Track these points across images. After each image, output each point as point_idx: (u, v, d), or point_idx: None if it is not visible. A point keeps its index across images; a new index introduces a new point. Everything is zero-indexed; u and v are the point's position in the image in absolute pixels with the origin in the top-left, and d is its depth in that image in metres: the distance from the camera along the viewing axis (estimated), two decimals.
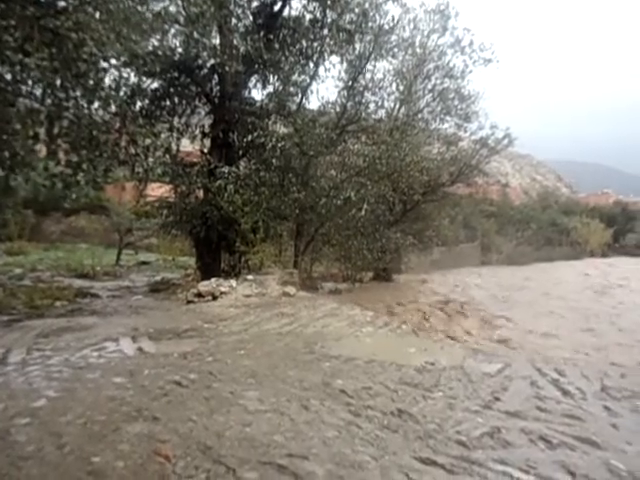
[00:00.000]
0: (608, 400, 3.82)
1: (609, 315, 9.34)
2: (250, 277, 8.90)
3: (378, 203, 13.49)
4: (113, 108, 7.17)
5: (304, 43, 11.86)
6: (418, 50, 15.51)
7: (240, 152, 11.93)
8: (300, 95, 12.38)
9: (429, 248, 17.95)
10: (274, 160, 11.04)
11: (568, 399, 3.83)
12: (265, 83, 12.26)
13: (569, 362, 4.93)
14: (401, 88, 15.48)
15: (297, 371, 4.21)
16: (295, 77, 12.22)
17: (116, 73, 7.08)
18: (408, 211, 16.25)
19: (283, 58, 11.67)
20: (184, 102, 11.85)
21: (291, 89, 12.23)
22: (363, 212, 11.88)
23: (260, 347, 4.98)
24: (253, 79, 12.23)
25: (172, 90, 11.42)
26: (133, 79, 9.36)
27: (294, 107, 12.32)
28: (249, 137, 11.62)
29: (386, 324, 6.51)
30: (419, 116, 16.08)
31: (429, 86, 16.15)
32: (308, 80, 12.29)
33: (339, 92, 13.48)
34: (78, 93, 6.20)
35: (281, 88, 12.04)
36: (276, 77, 12.00)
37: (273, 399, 3.51)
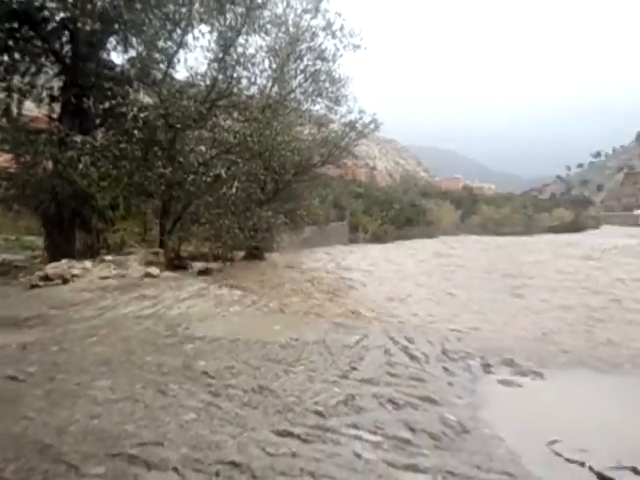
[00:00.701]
0: (447, 362, 4.31)
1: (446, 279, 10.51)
2: (109, 258, 8.22)
3: (250, 181, 13.36)
4: None
5: (171, 7, 11.06)
6: (291, 29, 15.47)
7: (97, 121, 10.82)
8: (166, 63, 11.58)
9: (300, 227, 18.38)
10: (136, 131, 10.20)
11: (415, 363, 4.23)
12: (127, 46, 11.21)
13: (418, 329, 5.47)
14: (274, 66, 15.37)
15: (156, 355, 4.01)
16: (161, 43, 11.38)
17: None
18: (280, 190, 16.38)
19: (147, 21, 10.75)
20: (27, 59, 10.32)
21: (156, 55, 11.37)
22: (234, 190, 11.68)
23: (115, 333, 4.64)
24: (113, 40, 11.10)
25: (11, 43, 9.85)
26: None
27: (160, 76, 11.50)
28: (107, 104, 10.57)
29: (254, 303, 6.53)
30: (292, 96, 16.16)
31: (301, 66, 16.26)
32: (175, 48, 11.53)
33: (209, 64, 12.91)
34: None
35: (145, 53, 11.13)
36: (139, 41, 11.04)
37: (127, 387, 3.30)
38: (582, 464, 2.65)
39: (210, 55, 12.87)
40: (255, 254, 15.94)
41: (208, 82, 12.80)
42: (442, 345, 4.81)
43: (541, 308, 7.90)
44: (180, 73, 12.18)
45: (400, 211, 27.39)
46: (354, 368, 3.94)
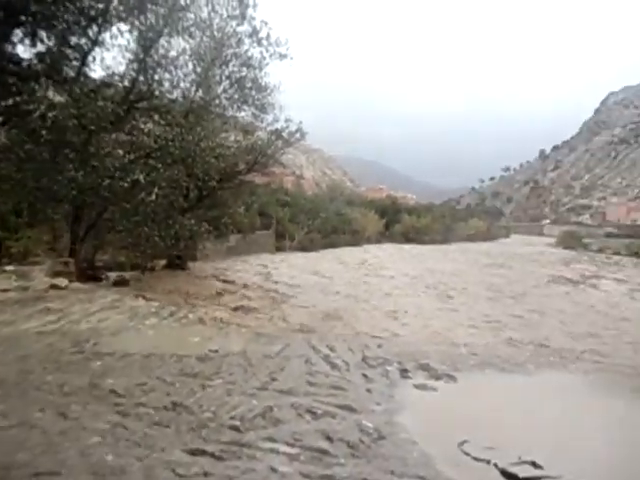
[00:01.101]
0: (366, 368, 4.39)
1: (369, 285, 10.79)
2: (10, 268, 7.51)
3: (171, 188, 12.88)
4: None
5: (86, 1, 10.44)
6: (216, 34, 15.22)
7: None
8: (80, 61, 10.88)
9: (225, 235, 18.00)
10: (44, 132, 9.46)
11: (335, 372, 4.26)
12: (35, 40, 10.39)
13: (339, 338, 5.53)
14: (198, 70, 15.04)
15: (59, 375, 3.69)
16: (74, 39, 10.67)
17: None
18: (204, 198, 15.96)
19: (58, 14, 10.06)
20: None
21: (68, 52, 10.65)
22: (154, 197, 11.19)
23: (13, 351, 4.21)
24: (19, 32, 10.25)
25: None
26: None
27: (72, 73, 10.78)
28: (10, 101, 9.71)
29: (172, 314, 6.25)
30: (216, 101, 15.88)
31: (227, 72, 16.06)
32: (90, 45, 10.88)
33: (128, 64, 12.33)
34: None
35: (55, 49, 10.38)
36: (50, 35, 10.29)
37: (22, 411, 2.99)
38: (488, 462, 2.78)
39: (130, 55, 12.31)
40: (177, 263, 15.36)
41: (127, 83, 12.22)
42: (362, 352, 4.89)
43: (465, 316, 8.32)
44: (96, 72, 11.51)
45: (326, 220, 27.74)
46: (274, 379, 3.88)
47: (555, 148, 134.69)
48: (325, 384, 3.88)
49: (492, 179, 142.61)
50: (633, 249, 29.22)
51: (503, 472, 2.68)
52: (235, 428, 2.92)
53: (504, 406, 3.85)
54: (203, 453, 2.58)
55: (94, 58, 11.01)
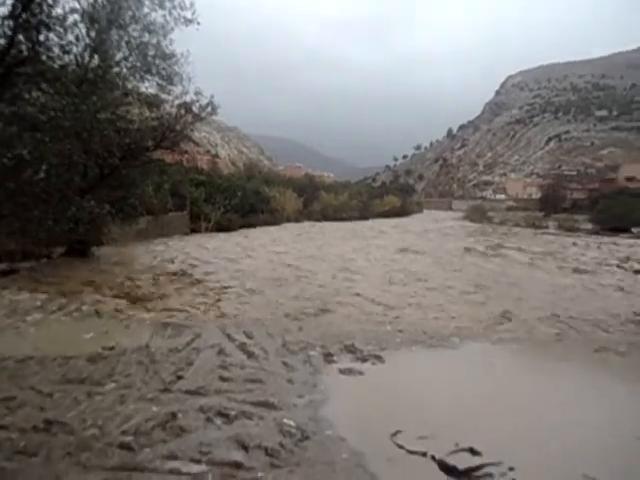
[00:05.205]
0: (287, 355, 3.98)
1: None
2: None
3: (64, 165, 11.47)
4: None
5: None
6: None
7: None
8: None
9: (133, 217, 16.67)
10: None
11: (252, 361, 3.80)
12: None
13: (258, 322, 5.05)
14: (93, 35, 13.45)
15: None
16: None
17: None
18: (106, 177, 14.51)
19: None
20: None
21: None
22: (42, 174, 9.83)
23: None
24: None
25: None
26: None
27: None
28: None
29: (61, 307, 5.39)
30: (116, 70, 14.40)
31: (126, 38, 14.59)
32: None
33: (3, 20, 10.61)
34: None
35: None
36: None
37: None
38: (424, 454, 2.50)
39: (4, 10, 10.59)
40: (79, 249, 13.92)
41: (3, 42, 10.53)
42: (282, 337, 4.47)
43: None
44: None
45: (244, 199, 26.83)
46: (180, 377, 3.34)
47: (461, 127, 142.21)
48: (240, 378, 3.41)
49: (405, 157, 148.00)
50: (529, 221, 31.61)
51: (441, 465, 2.41)
52: (126, 446, 2.38)
53: (433, 386, 3.64)
54: None
55: None
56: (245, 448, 2.42)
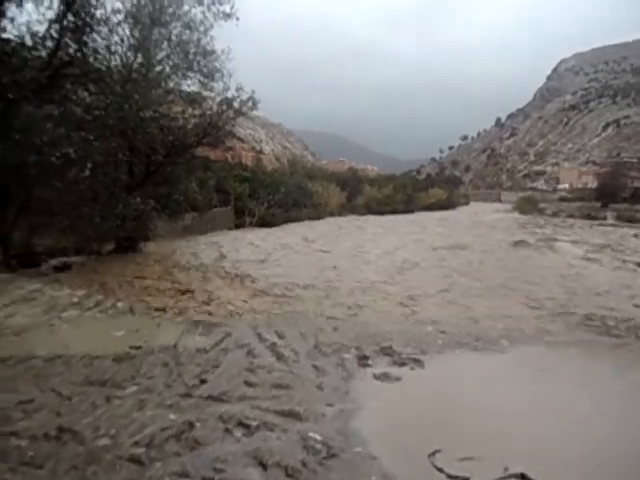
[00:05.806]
0: (318, 358, 3.72)
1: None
2: None
3: (111, 163, 11.73)
4: None
5: None
6: None
7: None
8: None
9: (179, 213, 16.96)
10: None
11: (281, 364, 3.57)
12: None
13: (290, 321, 4.82)
14: (136, 34, 13.68)
15: None
16: None
17: None
18: (152, 174, 14.79)
19: None
20: None
21: None
22: (87, 172, 10.07)
23: None
24: None
25: None
26: None
27: None
28: None
29: (98, 304, 5.38)
30: (158, 68, 14.61)
31: (167, 36, 14.77)
32: None
33: (50, 24, 10.92)
34: None
35: None
36: None
37: None
38: None
39: (51, 14, 10.89)
40: (127, 245, 14.28)
41: (51, 44, 10.83)
42: (315, 337, 4.21)
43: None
44: (7, 33, 10.07)
45: (287, 194, 26.85)
46: (203, 381, 3.16)
47: (510, 116, 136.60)
48: (267, 382, 3.19)
49: (451, 148, 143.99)
50: (584, 212, 29.80)
51: None
52: (137, 460, 2.20)
53: (479, 394, 3.27)
54: None
55: (3, 14, 9.61)
56: (263, 466, 2.19)
